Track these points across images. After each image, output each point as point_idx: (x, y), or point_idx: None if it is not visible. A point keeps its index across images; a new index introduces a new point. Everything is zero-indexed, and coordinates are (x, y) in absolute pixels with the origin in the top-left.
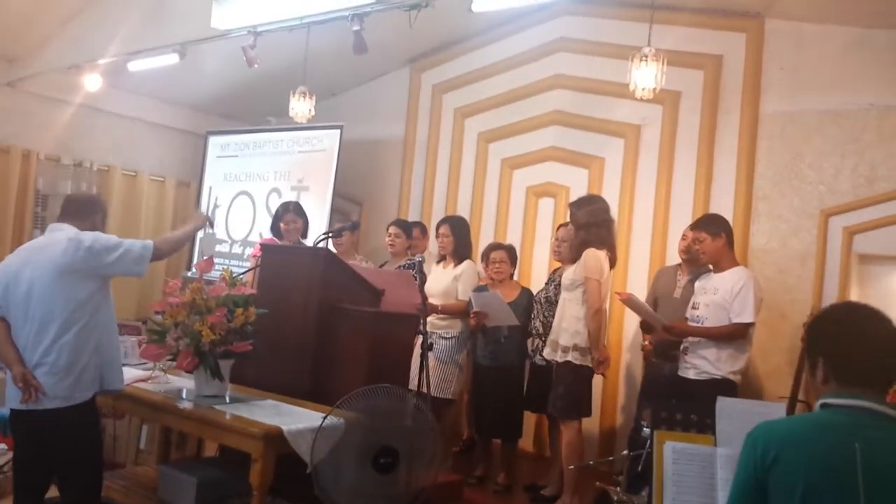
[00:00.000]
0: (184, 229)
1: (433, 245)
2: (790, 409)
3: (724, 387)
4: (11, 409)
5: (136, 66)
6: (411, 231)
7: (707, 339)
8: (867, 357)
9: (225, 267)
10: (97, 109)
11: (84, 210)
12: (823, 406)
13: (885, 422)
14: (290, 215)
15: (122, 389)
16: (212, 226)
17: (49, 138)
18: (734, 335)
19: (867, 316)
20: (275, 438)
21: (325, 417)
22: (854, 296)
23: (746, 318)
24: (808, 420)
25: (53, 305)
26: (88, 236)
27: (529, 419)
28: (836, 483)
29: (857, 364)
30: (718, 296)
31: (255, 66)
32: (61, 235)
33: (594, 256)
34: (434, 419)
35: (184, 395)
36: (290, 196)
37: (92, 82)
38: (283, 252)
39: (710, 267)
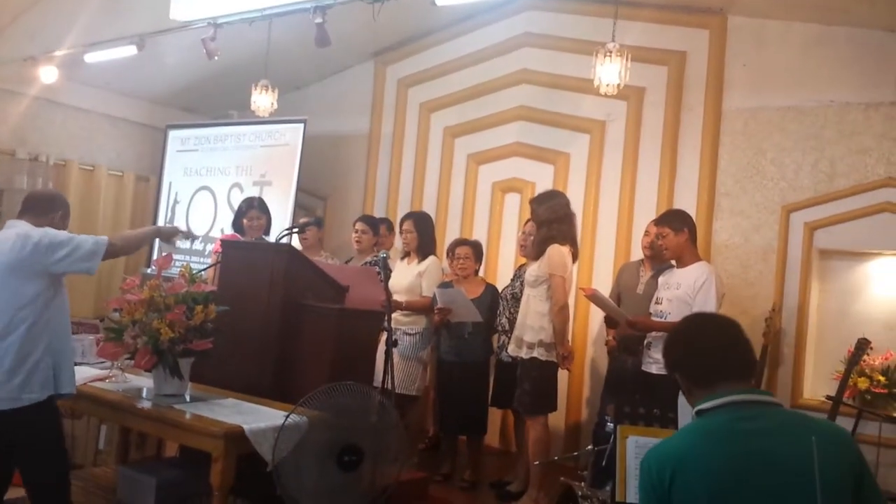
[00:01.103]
0: (143, 230)
1: (399, 241)
2: None
3: None
4: None
5: (93, 57)
6: (378, 227)
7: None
8: (716, 355)
9: (184, 263)
10: (53, 102)
11: (43, 207)
12: (698, 413)
13: (764, 408)
14: (253, 211)
15: (73, 393)
16: (192, 237)
17: (4, 131)
18: None
19: (706, 322)
20: (236, 438)
21: (287, 416)
22: (815, 290)
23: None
24: (692, 431)
25: None
26: (37, 232)
27: (495, 415)
28: (737, 481)
29: (708, 365)
30: (681, 290)
31: (216, 58)
32: (11, 232)
33: (558, 252)
34: (398, 416)
35: (143, 395)
36: (251, 191)
37: (48, 74)
38: (244, 248)
39: (673, 262)
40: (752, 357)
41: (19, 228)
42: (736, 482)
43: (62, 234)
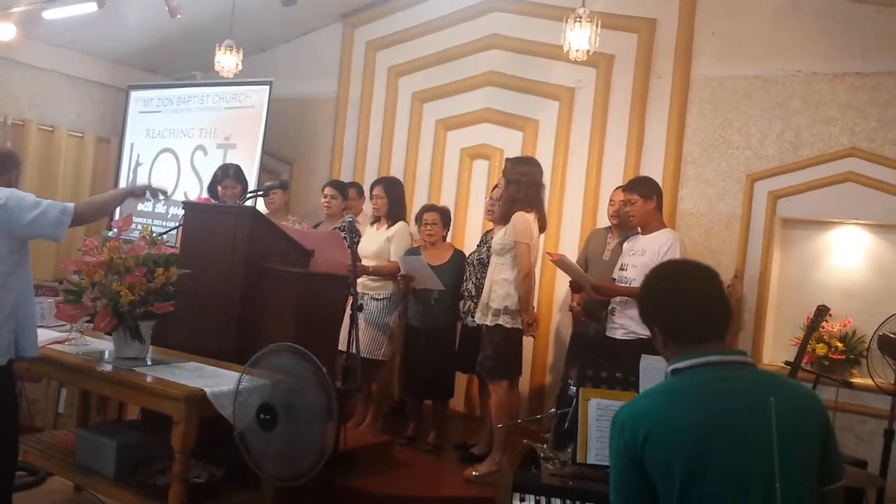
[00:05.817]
0: (112, 193)
1: (369, 206)
2: None
3: (650, 347)
4: None
5: (52, 14)
6: (347, 192)
7: (634, 298)
8: (696, 313)
9: (144, 225)
10: (11, 61)
11: None
12: (673, 372)
13: (738, 368)
14: (229, 180)
15: (37, 356)
16: (163, 195)
17: None
18: None
19: (687, 272)
20: (197, 400)
21: (240, 377)
22: (777, 258)
23: None
24: (666, 392)
25: None
26: (3, 193)
27: (460, 380)
28: (707, 445)
29: (688, 323)
30: (646, 257)
31: (179, 16)
32: None
33: (522, 220)
34: (326, 373)
35: (104, 358)
36: (216, 154)
37: (5, 31)
38: (206, 211)
39: (639, 229)
40: (729, 313)
41: None
42: (705, 445)
43: (30, 198)
